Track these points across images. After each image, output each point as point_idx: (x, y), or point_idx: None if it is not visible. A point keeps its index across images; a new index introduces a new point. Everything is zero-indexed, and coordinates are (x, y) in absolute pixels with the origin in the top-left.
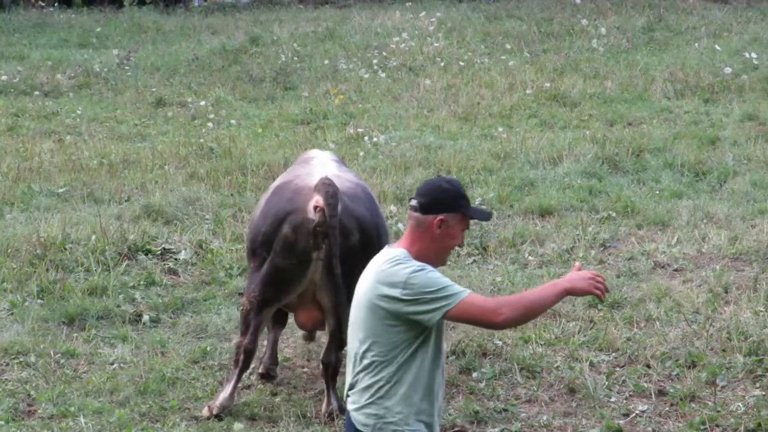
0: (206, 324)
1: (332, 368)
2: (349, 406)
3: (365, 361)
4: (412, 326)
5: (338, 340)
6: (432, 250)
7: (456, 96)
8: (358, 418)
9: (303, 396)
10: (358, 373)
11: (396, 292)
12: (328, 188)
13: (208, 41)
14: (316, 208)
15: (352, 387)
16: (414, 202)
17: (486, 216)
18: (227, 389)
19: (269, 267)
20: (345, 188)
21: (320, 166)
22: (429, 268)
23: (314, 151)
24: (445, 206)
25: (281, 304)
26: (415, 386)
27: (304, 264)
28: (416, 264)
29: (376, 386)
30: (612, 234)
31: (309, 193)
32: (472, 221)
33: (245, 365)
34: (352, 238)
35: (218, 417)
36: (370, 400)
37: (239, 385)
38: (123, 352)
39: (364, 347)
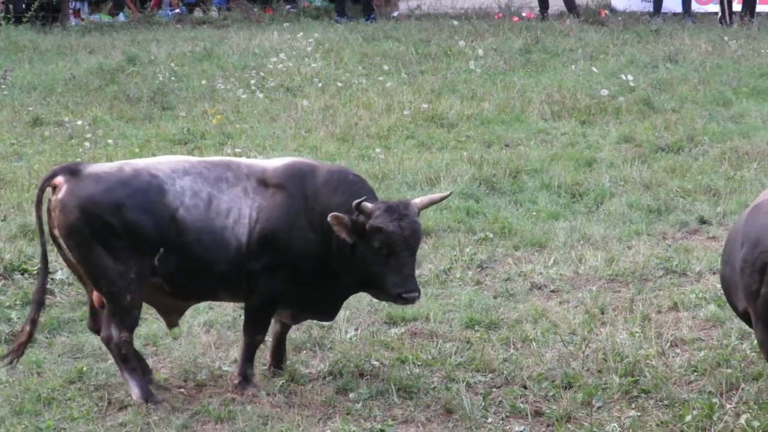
0: (83, 344)
1: (114, 344)
2: None
3: None
4: None
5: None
6: None
7: (334, 117)
8: None
9: (180, 416)
10: None
11: None
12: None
13: (85, 60)
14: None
15: None
16: None
17: None
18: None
19: None
20: (104, 171)
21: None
22: None
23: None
24: None
25: (88, 285)
26: None
27: (57, 243)
28: None
29: None
30: (489, 255)
31: None
32: None
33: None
34: (71, 215)
35: None
36: None
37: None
38: None
39: None
